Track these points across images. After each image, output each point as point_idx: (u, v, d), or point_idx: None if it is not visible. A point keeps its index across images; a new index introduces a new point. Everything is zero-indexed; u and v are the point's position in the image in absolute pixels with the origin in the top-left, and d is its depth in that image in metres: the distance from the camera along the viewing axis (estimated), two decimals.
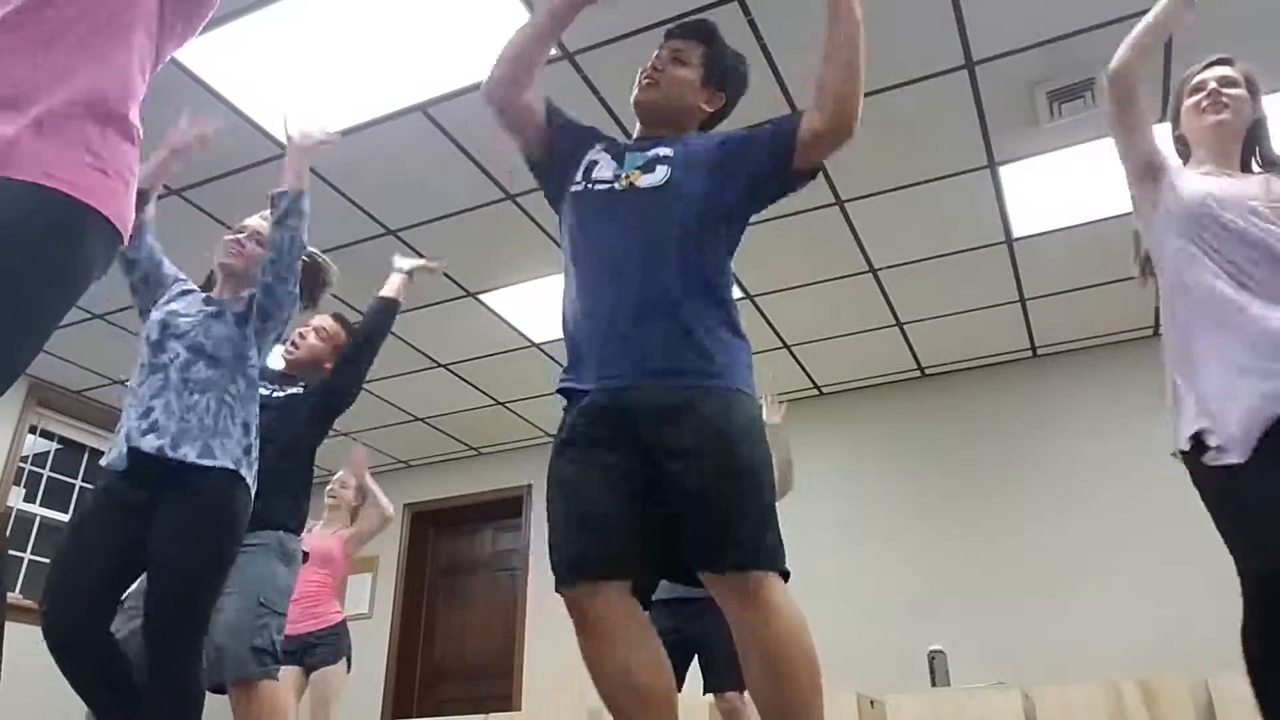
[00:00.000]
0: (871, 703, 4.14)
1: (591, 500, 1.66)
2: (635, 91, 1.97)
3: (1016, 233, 4.38)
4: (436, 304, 4.96)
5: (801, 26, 3.22)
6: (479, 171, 3.93)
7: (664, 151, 1.85)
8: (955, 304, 5.00)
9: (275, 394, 2.90)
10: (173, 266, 2.60)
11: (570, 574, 1.66)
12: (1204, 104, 2.12)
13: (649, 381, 1.66)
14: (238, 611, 2.53)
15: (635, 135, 2.01)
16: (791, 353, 5.48)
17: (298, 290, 2.48)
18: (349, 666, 4.22)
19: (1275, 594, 1.68)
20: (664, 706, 1.62)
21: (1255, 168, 2.12)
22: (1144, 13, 3.16)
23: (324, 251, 4.50)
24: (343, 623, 4.25)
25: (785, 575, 1.67)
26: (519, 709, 5.92)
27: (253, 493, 2.28)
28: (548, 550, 1.73)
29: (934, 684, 4.42)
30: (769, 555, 1.62)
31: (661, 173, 1.82)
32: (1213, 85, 2.12)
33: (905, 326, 5.24)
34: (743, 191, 1.84)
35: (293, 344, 3.04)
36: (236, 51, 3.29)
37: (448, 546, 7.08)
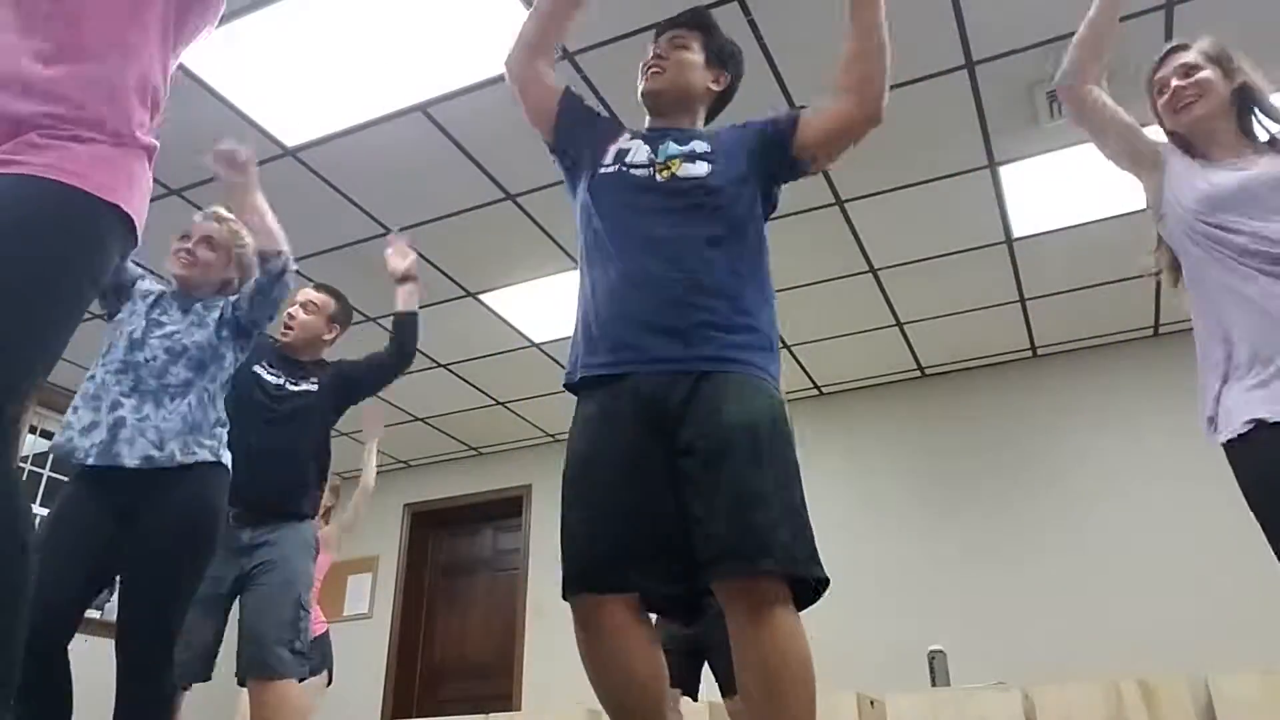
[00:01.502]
0: (871, 703, 4.14)
1: (615, 502, 1.61)
2: (643, 83, 1.98)
3: (1016, 233, 4.39)
4: (436, 304, 4.96)
5: (801, 26, 3.23)
6: (479, 171, 3.93)
7: (702, 147, 1.86)
8: (955, 304, 5.00)
9: (289, 386, 2.90)
10: (133, 266, 2.60)
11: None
12: (1172, 103, 2.04)
13: (688, 367, 1.64)
14: (282, 608, 2.58)
15: (647, 127, 2.01)
16: (791, 353, 5.47)
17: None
18: (330, 679, 4.20)
19: None
20: (658, 712, 1.63)
21: (1261, 132, 2.01)
22: (1144, 12, 3.17)
23: (324, 251, 4.52)
24: (325, 635, 4.22)
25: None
26: (519, 709, 5.92)
27: (230, 472, 2.29)
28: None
29: (934, 684, 4.42)
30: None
31: (703, 167, 1.83)
32: (1174, 82, 2.04)
33: (905, 326, 5.24)
34: (765, 190, 1.89)
35: (286, 326, 3.03)
36: (236, 51, 3.29)
37: (448, 546, 7.08)
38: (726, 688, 3.47)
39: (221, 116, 3.57)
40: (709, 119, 2.05)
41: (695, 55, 1.98)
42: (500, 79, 3.47)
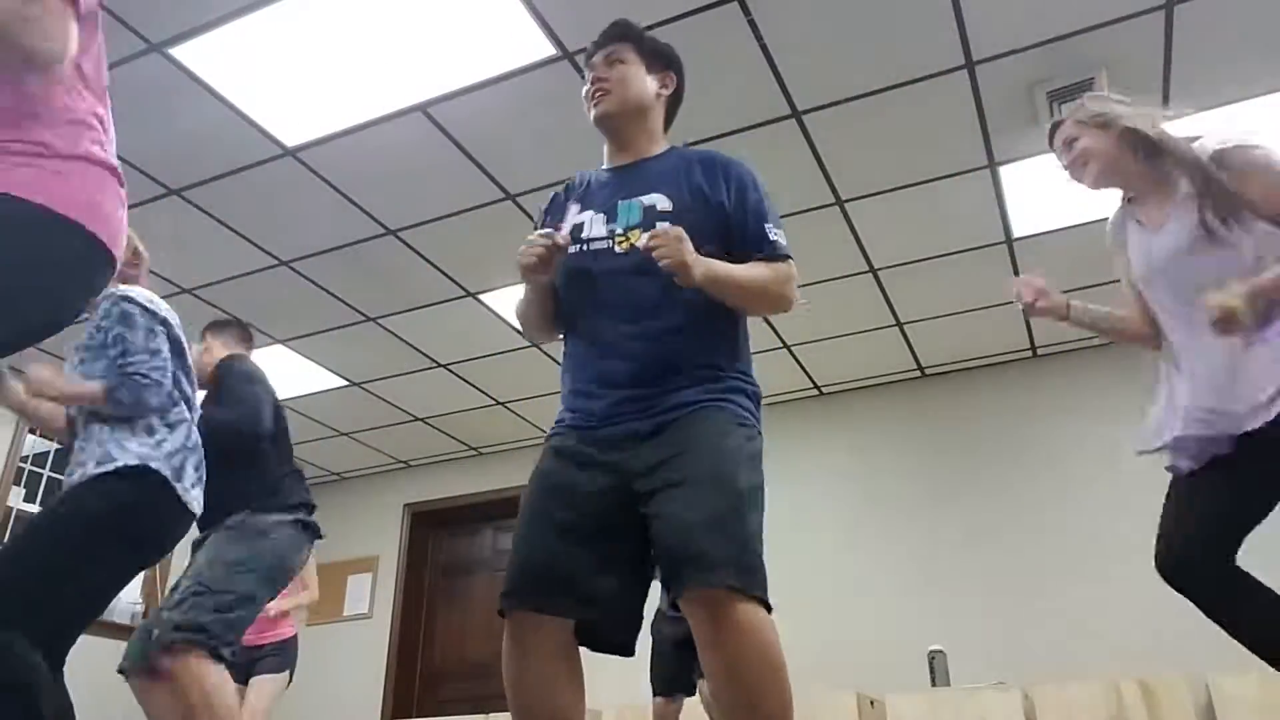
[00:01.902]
0: (871, 703, 4.14)
1: (562, 527, 1.64)
2: (592, 110, 1.92)
3: (1016, 233, 4.39)
4: (436, 304, 4.96)
5: (801, 26, 3.23)
6: (479, 171, 3.93)
7: (662, 204, 1.80)
8: (955, 304, 5.00)
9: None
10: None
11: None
12: (1071, 175, 2.17)
13: (655, 420, 1.68)
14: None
15: (608, 161, 1.97)
16: (791, 353, 5.48)
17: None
18: (289, 680, 4.23)
19: None
20: None
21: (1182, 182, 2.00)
22: (1144, 12, 3.17)
23: (324, 251, 4.53)
24: (292, 638, 4.24)
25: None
26: None
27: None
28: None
29: (934, 684, 4.43)
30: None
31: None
32: (1063, 160, 2.17)
33: (905, 326, 5.24)
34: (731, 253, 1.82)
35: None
36: (236, 51, 3.29)
37: (448, 546, 7.08)
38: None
39: (221, 116, 3.57)
40: (668, 123, 2.01)
41: (635, 66, 1.92)
42: (500, 79, 3.49)
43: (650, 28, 3.19)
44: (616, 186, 1.88)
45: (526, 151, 3.81)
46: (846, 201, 4.15)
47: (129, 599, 5.99)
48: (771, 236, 1.84)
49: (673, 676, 3.54)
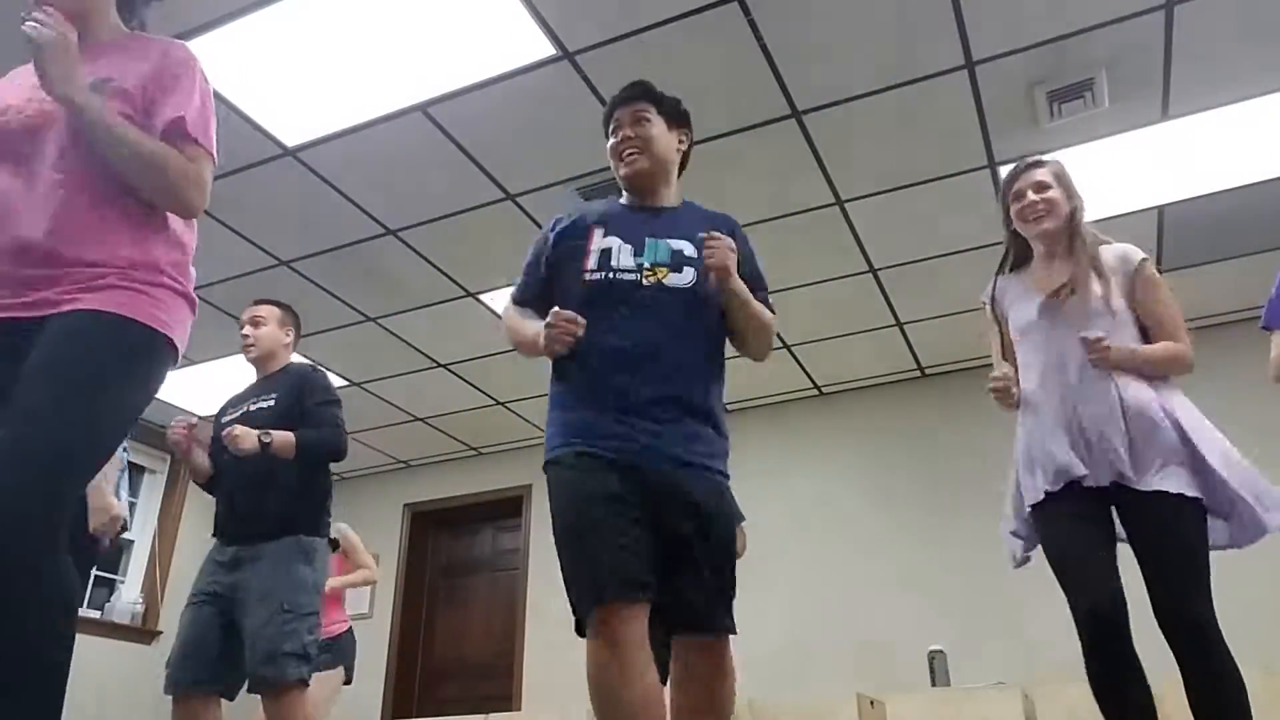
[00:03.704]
0: (871, 703, 4.14)
1: (621, 525, 1.77)
2: (624, 169, 2.06)
3: None
4: (436, 304, 4.96)
5: (801, 26, 3.23)
6: (479, 171, 3.93)
7: (688, 251, 1.96)
8: (955, 304, 5.00)
9: (251, 408, 2.94)
10: None
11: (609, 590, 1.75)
12: (1025, 213, 2.33)
13: (667, 467, 1.83)
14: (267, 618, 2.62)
15: (627, 201, 2.11)
16: (791, 353, 5.48)
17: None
18: (349, 676, 4.21)
19: None
20: None
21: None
22: (1144, 12, 3.17)
23: (324, 251, 4.53)
24: (345, 634, 4.23)
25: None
26: (519, 709, 5.92)
27: None
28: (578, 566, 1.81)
29: (934, 684, 4.43)
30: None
31: (689, 274, 1.93)
32: (1030, 196, 2.32)
33: (905, 326, 5.24)
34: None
35: (247, 346, 3.07)
36: (236, 51, 3.29)
37: (448, 546, 7.08)
38: None
39: (221, 116, 3.55)
40: (679, 173, 2.17)
41: (659, 126, 2.07)
42: (500, 79, 3.49)
43: (650, 27, 3.21)
44: (643, 224, 2.02)
45: (526, 151, 3.81)
46: (846, 201, 4.15)
47: (129, 599, 5.98)
48: (767, 296, 2.10)
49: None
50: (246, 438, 2.69)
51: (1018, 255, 2.51)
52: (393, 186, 4.04)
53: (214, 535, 2.86)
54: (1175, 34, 3.25)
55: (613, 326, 1.89)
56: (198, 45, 3.26)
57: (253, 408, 2.93)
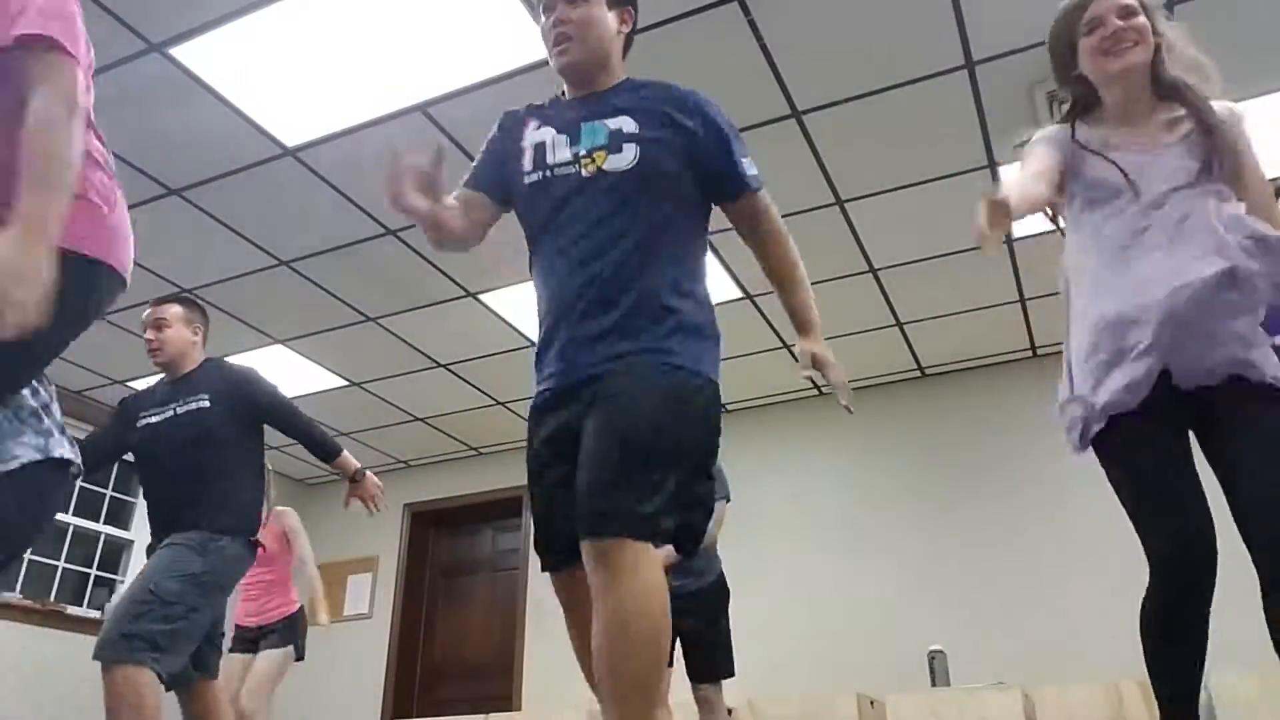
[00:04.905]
0: (871, 703, 4.14)
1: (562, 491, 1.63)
2: (556, 59, 1.82)
3: (1016, 233, 4.38)
4: (436, 304, 4.96)
5: (801, 26, 3.23)
6: None
7: (628, 127, 1.73)
8: (955, 304, 5.00)
9: (178, 410, 2.91)
10: None
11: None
12: (1106, 46, 1.84)
13: (609, 366, 1.62)
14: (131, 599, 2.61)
15: (568, 95, 1.87)
16: (792, 353, 5.46)
17: None
18: (300, 654, 4.27)
19: None
20: None
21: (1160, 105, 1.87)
22: None
23: (324, 251, 4.52)
24: (294, 615, 4.30)
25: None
26: (519, 709, 5.92)
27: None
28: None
29: (934, 684, 4.43)
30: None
31: (630, 152, 1.71)
32: (1115, 22, 1.82)
33: (905, 326, 5.24)
34: (700, 183, 1.80)
35: (152, 351, 3.00)
36: (236, 51, 3.29)
37: (448, 546, 7.08)
38: (693, 676, 3.53)
39: (221, 116, 3.57)
40: (624, 56, 1.92)
41: (598, 6, 1.81)
42: (500, 79, 3.48)
43: (650, 27, 3.21)
44: (578, 109, 1.80)
45: None
46: (846, 201, 4.15)
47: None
48: (747, 172, 1.81)
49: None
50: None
51: (1086, 109, 1.97)
52: None
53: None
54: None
55: (558, 229, 1.72)
56: (198, 45, 3.26)
57: (181, 410, 2.88)
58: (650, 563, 1.49)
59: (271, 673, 4.16)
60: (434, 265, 4.60)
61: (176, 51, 3.27)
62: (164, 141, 3.68)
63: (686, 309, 1.69)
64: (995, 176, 4.00)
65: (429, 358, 5.54)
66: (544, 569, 1.73)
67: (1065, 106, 2.05)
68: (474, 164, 1.94)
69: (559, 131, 1.78)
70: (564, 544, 1.61)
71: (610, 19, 1.83)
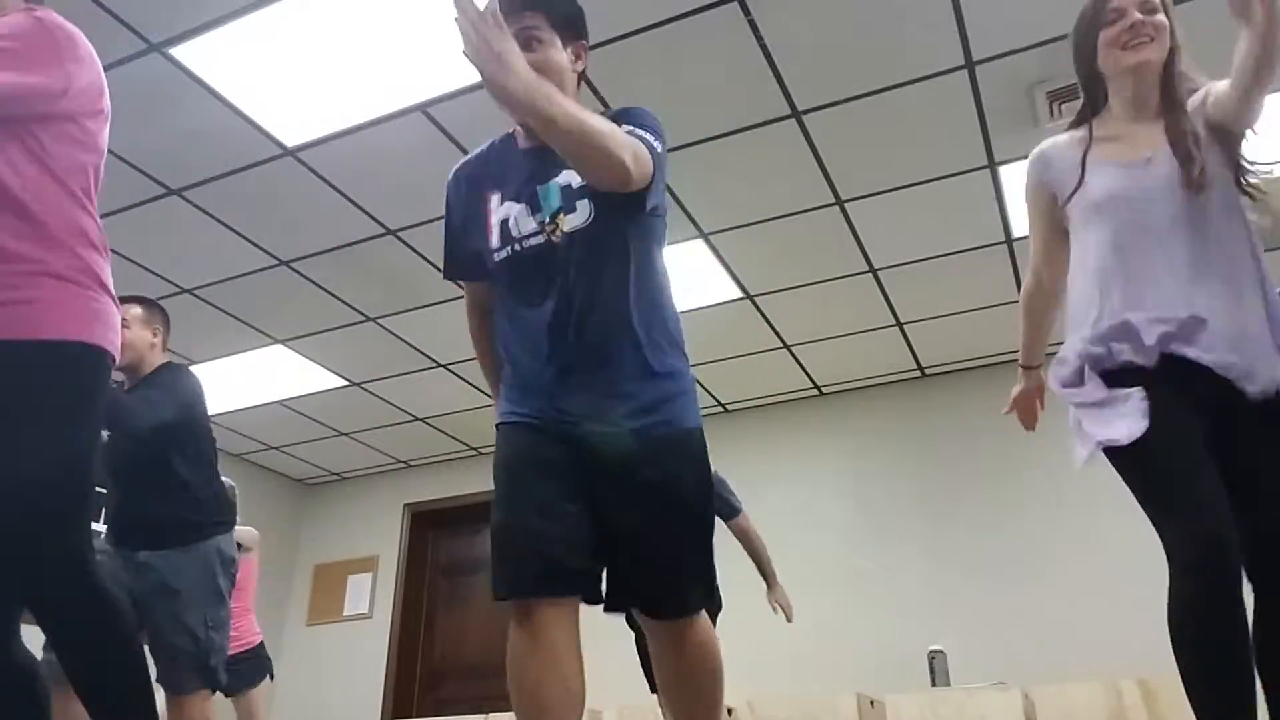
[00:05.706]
0: (871, 703, 4.14)
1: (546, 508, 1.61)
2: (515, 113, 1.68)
3: (1016, 233, 4.38)
4: (436, 304, 4.96)
5: (801, 26, 3.23)
6: None
7: (576, 180, 1.68)
8: (955, 304, 5.00)
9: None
10: None
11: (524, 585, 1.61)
12: (1125, 39, 1.83)
13: (610, 428, 1.65)
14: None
15: (521, 140, 1.81)
16: (791, 353, 5.47)
17: None
18: (270, 677, 4.28)
19: None
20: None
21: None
22: None
23: (324, 251, 4.52)
24: (261, 643, 4.26)
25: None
26: None
27: None
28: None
29: (934, 684, 4.43)
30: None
31: (584, 210, 1.67)
32: (1136, 15, 1.82)
33: (905, 326, 5.24)
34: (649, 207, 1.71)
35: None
36: (236, 51, 3.29)
37: (448, 546, 7.08)
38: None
39: (221, 116, 3.57)
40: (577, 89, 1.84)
41: (551, 44, 1.71)
42: None
43: (650, 28, 3.21)
44: (528, 169, 1.75)
45: None
46: (846, 201, 4.15)
47: None
48: (643, 126, 1.67)
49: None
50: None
51: (1095, 108, 1.95)
52: (393, 186, 4.04)
53: None
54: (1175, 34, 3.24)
55: (532, 290, 1.70)
56: (198, 45, 3.26)
57: None
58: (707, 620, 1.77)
59: (263, 708, 4.14)
60: (434, 265, 4.60)
61: (176, 51, 3.27)
62: (164, 141, 3.68)
63: (678, 366, 1.75)
64: (995, 176, 4.01)
65: (429, 358, 5.54)
66: (506, 599, 1.59)
67: (1071, 105, 2.08)
68: (447, 249, 1.88)
69: (517, 202, 1.74)
70: (542, 571, 1.57)
71: (565, 59, 1.74)
